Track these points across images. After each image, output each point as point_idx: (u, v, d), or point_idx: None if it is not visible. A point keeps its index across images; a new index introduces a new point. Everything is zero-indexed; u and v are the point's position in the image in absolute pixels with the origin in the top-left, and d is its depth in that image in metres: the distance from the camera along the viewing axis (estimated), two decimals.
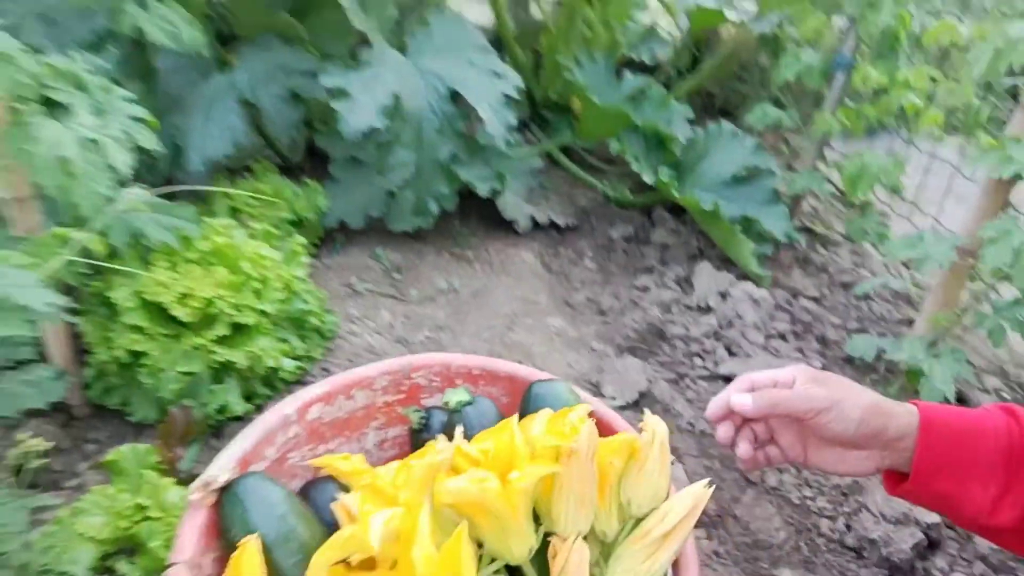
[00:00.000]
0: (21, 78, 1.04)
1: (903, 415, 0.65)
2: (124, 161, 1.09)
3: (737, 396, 0.66)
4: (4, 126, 1.02)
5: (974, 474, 0.62)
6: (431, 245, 1.86)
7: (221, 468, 0.74)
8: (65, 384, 1.23)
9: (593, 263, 1.94)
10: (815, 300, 1.82)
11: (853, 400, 0.64)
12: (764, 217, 1.81)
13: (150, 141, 1.18)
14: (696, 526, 0.81)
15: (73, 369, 1.28)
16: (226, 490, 0.73)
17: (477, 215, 1.96)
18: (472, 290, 1.75)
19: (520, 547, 0.66)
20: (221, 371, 1.29)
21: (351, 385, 0.90)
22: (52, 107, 1.11)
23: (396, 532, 0.61)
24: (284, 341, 1.38)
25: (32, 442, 1.11)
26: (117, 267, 1.21)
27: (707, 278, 1.72)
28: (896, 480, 0.68)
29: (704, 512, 0.96)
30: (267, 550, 0.69)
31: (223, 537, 0.73)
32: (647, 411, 0.74)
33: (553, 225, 2.01)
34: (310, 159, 2.02)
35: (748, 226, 1.80)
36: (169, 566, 0.67)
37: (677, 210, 2.04)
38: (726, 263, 1.85)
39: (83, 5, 1.46)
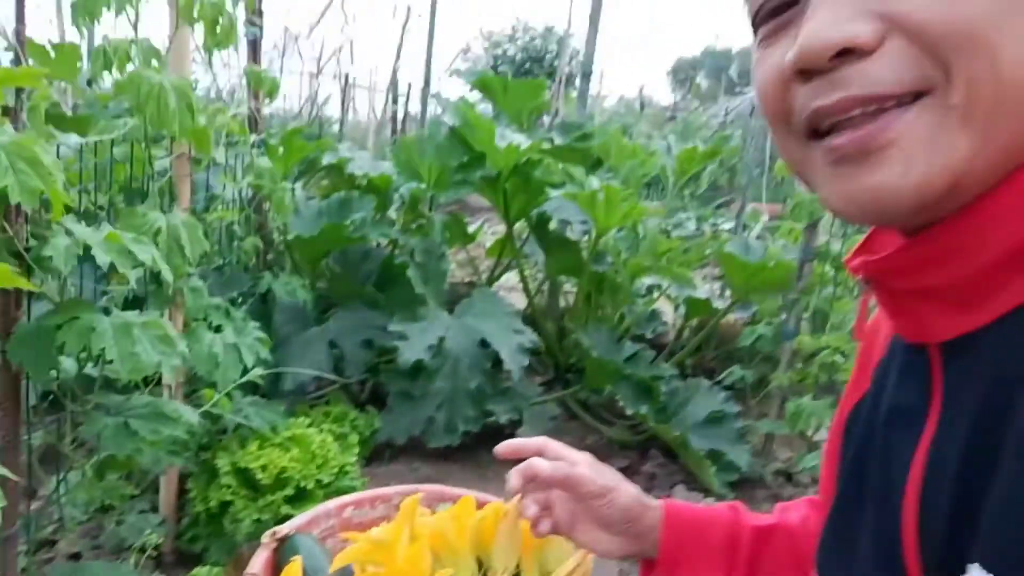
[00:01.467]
0: (199, 307, 1.66)
1: (655, 509, 0.74)
2: (251, 361, 1.66)
3: (538, 460, 0.75)
4: (183, 331, 1.62)
5: (706, 564, 0.74)
6: (458, 464, 2.30)
7: (284, 527, 1.18)
8: (165, 530, 1.67)
9: None
10: None
11: (623, 490, 0.73)
12: (730, 451, 2.20)
13: (266, 354, 1.75)
14: None
15: (173, 518, 1.73)
16: (285, 539, 1.16)
17: (498, 441, 2.41)
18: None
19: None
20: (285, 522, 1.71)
21: (375, 499, 1.33)
22: (211, 326, 1.72)
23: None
24: None
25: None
26: (223, 443, 1.72)
27: (681, 497, 2.07)
28: (649, 567, 0.79)
29: None
30: (304, 573, 1.10)
31: (279, 568, 1.13)
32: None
33: None
34: (372, 400, 2.57)
35: (717, 458, 2.18)
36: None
37: (667, 450, 2.44)
38: (702, 489, 2.20)
39: (235, 274, 2.17)
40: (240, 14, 1.82)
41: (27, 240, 1.06)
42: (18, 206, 1.04)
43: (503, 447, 0.80)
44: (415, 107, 6.52)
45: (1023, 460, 0.40)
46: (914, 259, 0.46)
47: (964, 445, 0.44)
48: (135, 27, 1.33)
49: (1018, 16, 0.38)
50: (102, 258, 1.01)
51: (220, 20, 1.45)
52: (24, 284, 0.90)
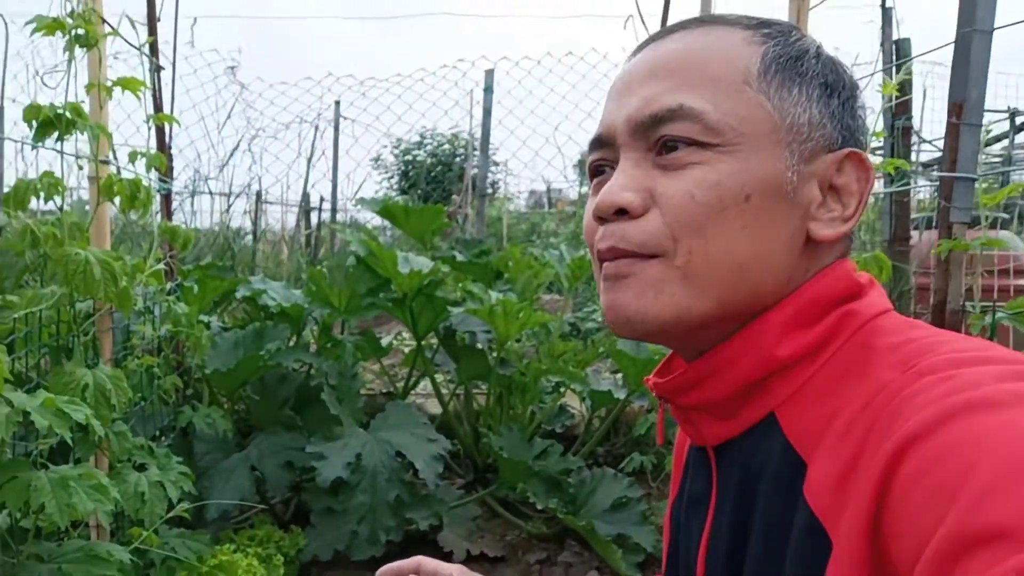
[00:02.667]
0: (123, 449, 1.77)
1: None
2: (176, 495, 1.77)
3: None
4: (108, 472, 1.72)
5: None
6: None
7: None
8: None
9: None
10: None
11: None
12: (635, 534, 2.39)
13: (189, 487, 1.86)
14: None
15: None
16: None
17: (423, 547, 2.53)
18: None
19: None
20: None
21: None
22: (135, 465, 1.82)
23: None
24: None
25: None
26: None
27: None
28: None
29: None
30: None
31: None
32: None
33: (484, 556, 2.57)
34: (297, 519, 2.65)
35: (624, 541, 2.37)
36: None
37: (582, 539, 2.61)
38: (613, 574, 2.37)
39: (156, 411, 2.27)
40: (152, 175, 2.02)
41: None
42: None
43: (380, 572, 0.78)
44: (328, 222, 6.76)
45: (763, 538, 0.54)
46: (682, 383, 0.60)
47: (728, 525, 0.59)
48: (60, 208, 1.51)
49: (730, 221, 0.55)
50: (41, 422, 1.15)
51: (138, 194, 1.65)
52: None
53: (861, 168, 0.59)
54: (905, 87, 3.07)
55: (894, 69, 3.01)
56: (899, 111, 3.37)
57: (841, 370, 0.54)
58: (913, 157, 3.66)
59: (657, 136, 0.57)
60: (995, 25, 1.19)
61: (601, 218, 0.59)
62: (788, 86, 0.58)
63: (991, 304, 1.23)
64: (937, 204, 1.22)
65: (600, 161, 0.63)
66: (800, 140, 0.57)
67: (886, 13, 3.94)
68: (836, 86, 0.60)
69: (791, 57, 0.59)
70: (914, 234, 3.66)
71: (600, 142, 0.62)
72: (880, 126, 3.26)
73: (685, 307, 0.56)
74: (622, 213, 0.57)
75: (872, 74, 2.67)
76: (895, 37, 3.68)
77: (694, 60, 0.58)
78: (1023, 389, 0.42)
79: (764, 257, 0.56)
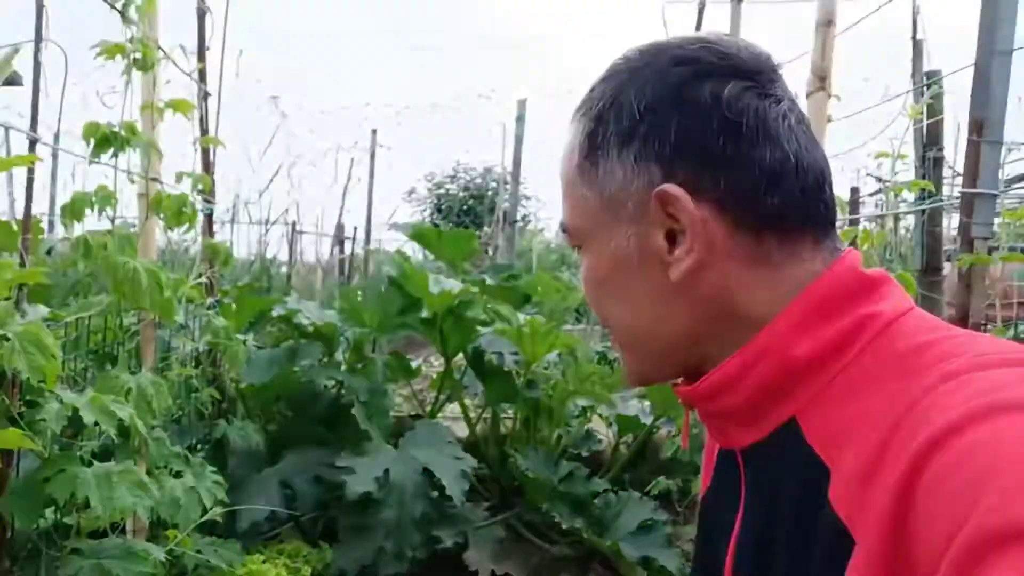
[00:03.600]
0: (161, 456, 1.83)
1: None
2: (210, 502, 1.82)
3: None
4: (148, 480, 1.78)
5: None
6: None
7: None
8: None
9: None
10: None
11: None
12: (661, 556, 2.38)
13: (223, 495, 1.92)
14: None
15: None
16: None
17: (448, 566, 2.54)
18: None
19: None
20: None
21: None
22: (172, 472, 1.88)
23: None
24: None
25: None
26: None
27: None
28: None
29: None
30: None
31: None
32: None
33: None
34: (325, 535, 2.69)
35: (649, 564, 2.36)
36: None
37: (606, 563, 2.60)
38: None
39: (192, 423, 2.34)
40: (197, 195, 2.12)
41: (20, 406, 1.26)
42: (13, 377, 1.25)
43: None
44: (361, 248, 6.90)
45: (789, 544, 0.55)
46: (707, 390, 0.61)
47: (755, 526, 0.60)
48: (112, 220, 1.60)
49: (605, 300, 0.65)
50: (88, 417, 1.22)
51: (184, 208, 1.74)
52: (28, 444, 1.10)
53: (672, 200, 0.57)
54: (938, 119, 3.07)
55: (924, 105, 3.03)
56: (930, 142, 3.37)
57: (863, 374, 0.53)
58: (946, 189, 3.64)
59: None
60: (1015, 46, 1.22)
61: None
62: (593, 166, 0.61)
63: (1012, 318, 1.24)
64: (960, 221, 1.24)
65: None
66: (621, 206, 0.59)
67: (917, 45, 3.96)
68: (632, 129, 0.58)
69: (590, 132, 0.61)
70: (947, 265, 3.62)
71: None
72: (911, 156, 3.27)
73: (645, 370, 0.67)
74: None
75: (904, 102, 2.67)
76: (926, 68, 3.69)
77: (560, 171, 0.66)
78: None
79: (644, 317, 0.62)
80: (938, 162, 3.43)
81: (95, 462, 1.36)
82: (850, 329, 0.55)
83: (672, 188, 0.56)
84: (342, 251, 6.87)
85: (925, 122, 3.04)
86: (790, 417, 0.56)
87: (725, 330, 0.59)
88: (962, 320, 1.27)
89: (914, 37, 4.03)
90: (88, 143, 1.49)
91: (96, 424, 1.24)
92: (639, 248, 0.59)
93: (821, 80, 1.76)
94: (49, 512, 1.43)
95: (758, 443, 0.60)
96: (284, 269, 5.61)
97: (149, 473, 1.81)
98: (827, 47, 1.81)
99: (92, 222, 1.65)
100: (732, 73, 0.58)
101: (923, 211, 3.24)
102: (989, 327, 1.25)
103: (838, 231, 0.63)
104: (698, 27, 4.10)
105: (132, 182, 1.62)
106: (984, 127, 1.25)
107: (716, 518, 0.69)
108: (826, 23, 1.80)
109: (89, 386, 1.45)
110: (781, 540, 0.55)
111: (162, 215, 1.68)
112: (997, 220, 1.23)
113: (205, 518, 1.77)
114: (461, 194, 17.11)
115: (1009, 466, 0.39)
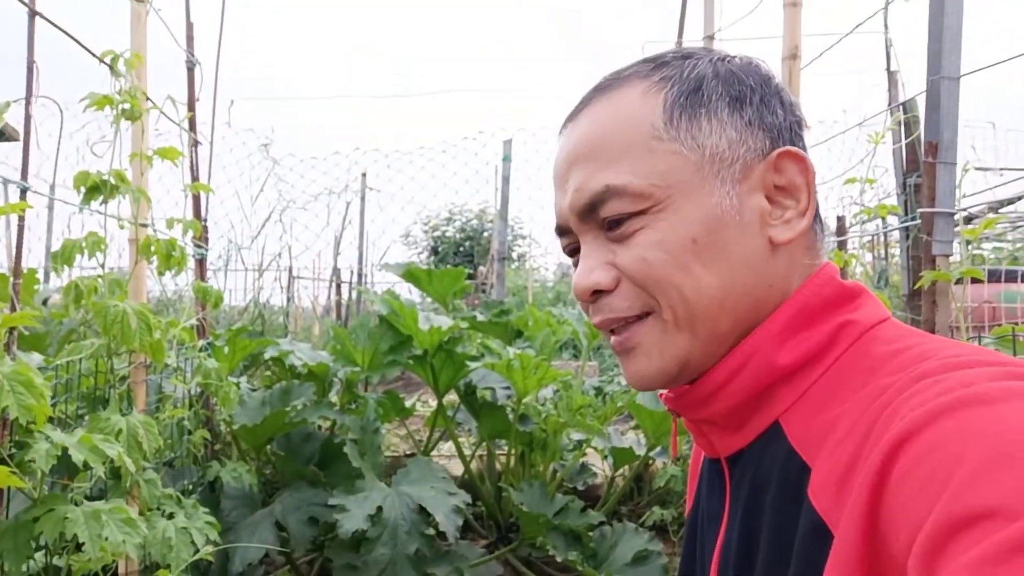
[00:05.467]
0: (153, 497, 1.85)
1: None
2: (201, 543, 1.83)
3: None
4: (141, 517, 1.79)
5: None
6: None
7: None
8: None
9: None
10: None
11: None
12: None
13: (215, 536, 1.92)
14: None
15: None
16: None
17: None
18: None
19: None
20: None
21: None
22: (164, 514, 1.89)
23: None
24: None
25: None
26: None
27: None
28: None
29: None
30: None
31: None
32: None
33: None
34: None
35: None
36: None
37: None
38: None
39: (185, 465, 2.35)
40: (188, 240, 2.17)
41: (10, 447, 1.29)
42: (4, 418, 1.28)
43: None
44: (356, 292, 6.94)
45: (771, 543, 0.55)
46: (693, 398, 0.63)
47: (739, 535, 0.60)
48: (102, 266, 1.64)
49: (688, 266, 0.59)
50: (77, 456, 1.24)
51: (173, 252, 1.78)
52: (17, 483, 1.13)
53: (797, 160, 0.61)
54: (915, 144, 3.15)
55: (902, 132, 3.11)
56: (910, 169, 3.45)
57: (842, 377, 0.56)
58: None
59: (600, 218, 0.62)
60: (961, 72, 1.28)
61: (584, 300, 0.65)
62: (696, 121, 0.61)
63: (979, 328, 1.27)
64: (916, 238, 1.28)
65: (568, 246, 0.69)
66: (726, 165, 0.60)
67: (891, 76, 4.07)
68: (743, 96, 0.62)
69: (690, 91, 0.61)
70: None
71: (561, 230, 0.68)
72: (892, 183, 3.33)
73: (687, 352, 0.61)
74: (599, 292, 0.63)
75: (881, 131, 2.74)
76: (901, 99, 3.79)
77: (604, 137, 0.62)
78: (1012, 386, 0.44)
79: (736, 282, 0.59)
80: (919, 187, 3.49)
81: (87, 502, 1.38)
82: (830, 336, 0.58)
83: (797, 150, 0.62)
84: (339, 294, 6.92)
85: (904, 148, 3.11)
86: (773, 421, 0.59)
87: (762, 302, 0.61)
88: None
89: (888, 68, 4.15)
90: (79, 191, 1.54)
91: (87, 466, 1.27)
92: (742, 208, 0.60)
93: None
94: (39, 555, 1.45)
95: (743, 449, 0.62)
96: (279, 316, 5.64)
97: (141, 514, 1.82)
98: (793, 79, 1.89)
99: (86, 270, 1.69)
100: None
101: (907, 236, 3.30)
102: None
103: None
104: None
105: (122, 227, 1.67)
106: (939, 149, 1.30)
107: (702, 528, 0.69)
108: (791, 56, 1.88)
109: (80, 427, 1.47)
110: (764, 541, 0.56)
111: (152, 259, 1.73)
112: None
113: (197, 557, 1.77)
114: (457, 236, 17.24)
115: (973, 454, 0.40)
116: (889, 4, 3.34)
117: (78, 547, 1.37)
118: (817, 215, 0.64)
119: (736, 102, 0.62)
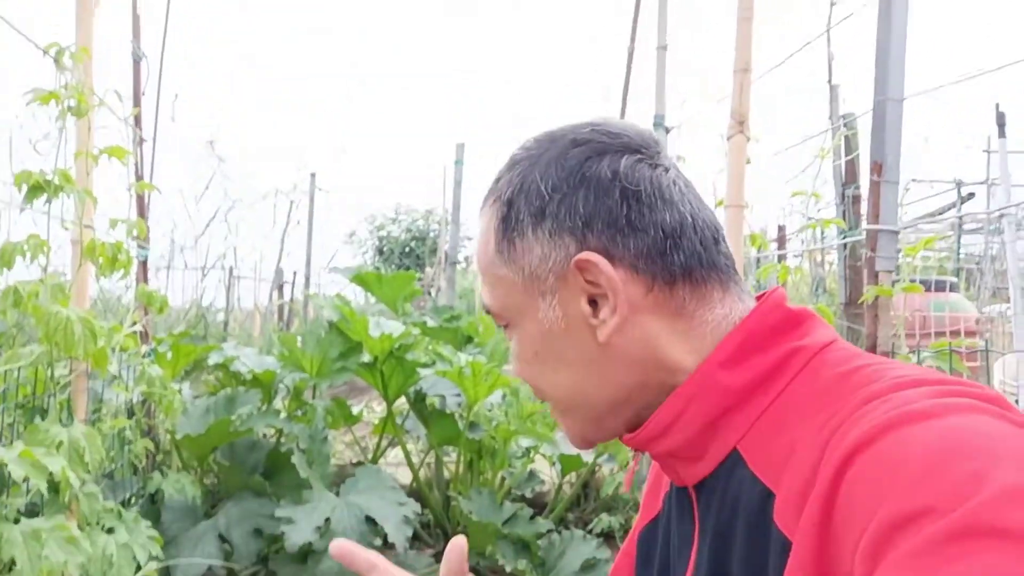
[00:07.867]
0: (93, 511, 1.78)
1: None
2: (144, 559, 1.77)
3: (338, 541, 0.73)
4: (80, 536, 1.72)
5: None
6: None
7: None
8: None
9: None
10: None
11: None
12: None
13: (158, 551, 1.86)
14: None
15: None
16: None
17: None
18: None
19: None
20: None
21: None
22: (104, 528, 1.82)
23: None
24: None
25: None
26: None
27: None
28: None
29: None
30: None
31: None
32: None
33: None
34: None
35: None
36: None
37: None
38: None
39: (126, 477, 2.27)
40: (132, 242, 2.09)
41: None
42: None
43: (338, 546, 0.70)
44: (301, 293, 6.81)
45: (741, 566, 0.56)
46: (650, 434, 0.64)
47: (709, 561, 0.61)
48: (44, 269, 1.57)
49: (541, 372, 0.66)
50: (17, 472, 1.18)
51: (119, 255, 1.72)
52: None
53: (591, 266, 0.61)
54: (854, 157, 3.27)
55: (843, 147, 3.23)
56: (848, 180, 3.58)
57: (794, 402, 0.57)
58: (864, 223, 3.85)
59: None
60: (904, 95, 1.35)
61: None
62: (512, 245, 0.64)
63: (916, 346, 1.34)
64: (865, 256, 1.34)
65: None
66: (541, 280, 0.63)
67: (832, 90, 4.22)
68: (543, 207, 0.63)
69: (504, 217, 0.65)
70: None
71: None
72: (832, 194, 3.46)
73: (588, 433, 0.68)
74: None
75: (821, 143, 2.83)
76: (841, 112, 3.93)
77: (479, 260, 0.69)
78: (950, 403, 0.48)
79: (591, 379, 0.64)
80: (856, 199, 3.64)
81: (25, 519, 1.32)
82: (778, 361, 0.60)
83: (590, 255, 0.61)
84: (281, 296, 6.77)
85: (843, 161, 3.23)
86: (732, 449, 0.60)
87: (658, 380, 0.63)
88: (871, 348, 1.35)
89: (830, 81, 4.30)
90: (20, 190, 1.47)
91: (25, 480, 1.21)
92: (565, 316, 0.63)
93: (740, 124, 1.87)
94: None
95: (707, 477, 0.63)
96: (221, 316, 5.50)
97: (80, 529, 1.75)
98: (744, 92, 1.93)
99: (23, 272, 1.62)
100: (624, 149, 0.64)
101: (845, 246, 3.42)
102: (895, 355, 1.35)
103: (764, 265, 0.67)
104: (628, 70, 4.31)
105: (66, 229, 1.60)
106: (883, 168, 1.36)
107: (673, 551, 0.70)
108: (743, 69, 1.92)
109: (18, 440, 1.41)
110: (736, 567, 0.58)
111: (96, 262, 1.66)
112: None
113: (140, 575, 1.71)
114: (403, 236, 17.10)
115: (912, 463, 0.44)
116: (830, 28, 3.46)
117: (10, 568, 1.31)
118: (728, 261, 0.65)
119: (537, 216, 0.63)
